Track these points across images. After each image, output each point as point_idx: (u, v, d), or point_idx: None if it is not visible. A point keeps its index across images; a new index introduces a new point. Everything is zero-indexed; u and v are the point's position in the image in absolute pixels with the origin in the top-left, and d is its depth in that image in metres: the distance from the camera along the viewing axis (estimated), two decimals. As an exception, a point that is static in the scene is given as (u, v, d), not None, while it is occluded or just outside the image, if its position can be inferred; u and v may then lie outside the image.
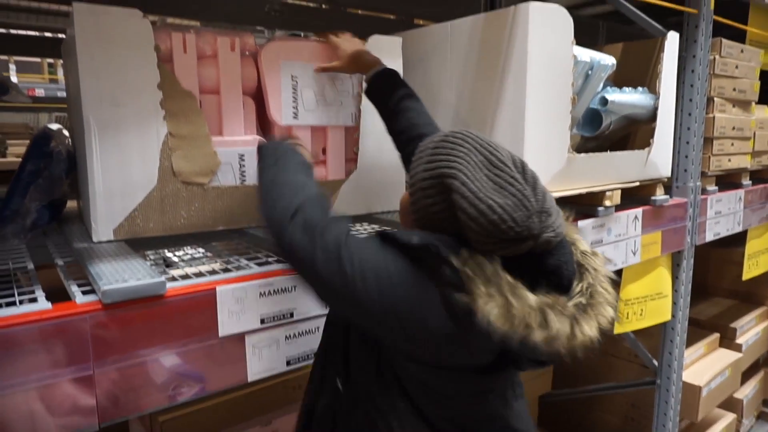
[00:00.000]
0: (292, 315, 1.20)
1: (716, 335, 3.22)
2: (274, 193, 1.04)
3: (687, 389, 2.75)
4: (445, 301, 0.87)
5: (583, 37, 1.68)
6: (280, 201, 1.01)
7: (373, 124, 1.67)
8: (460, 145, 0.93)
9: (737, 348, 3.22)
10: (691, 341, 2.94)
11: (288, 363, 1.22)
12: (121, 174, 1.30)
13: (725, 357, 3.11)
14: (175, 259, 1.33)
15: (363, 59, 1.49)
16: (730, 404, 3.22)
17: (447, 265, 0.87)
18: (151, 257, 1.30)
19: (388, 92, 1.41)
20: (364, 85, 1.49)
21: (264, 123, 1.56)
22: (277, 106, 1.52)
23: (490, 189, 0.88)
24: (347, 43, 1.53)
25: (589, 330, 0.87)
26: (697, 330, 3.19)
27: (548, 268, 0.91)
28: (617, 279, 1.01)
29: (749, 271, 2.95)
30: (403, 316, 0.89)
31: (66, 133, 1.62)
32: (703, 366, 2.99)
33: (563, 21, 1.61)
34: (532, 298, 0.85)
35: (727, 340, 3.26)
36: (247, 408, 1.65)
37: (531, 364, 0.99)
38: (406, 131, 1.34)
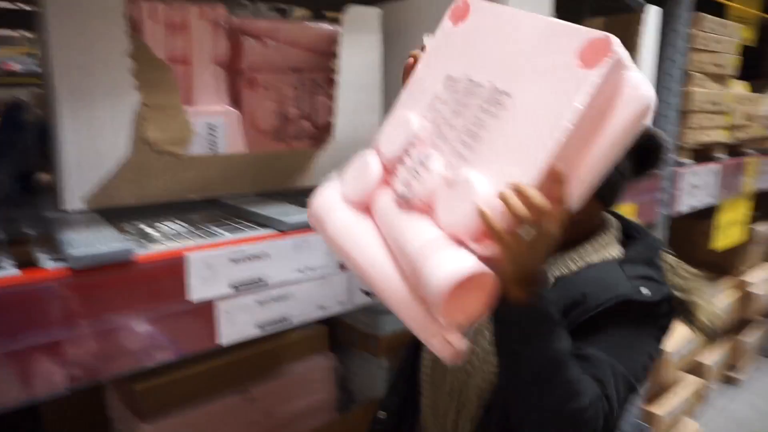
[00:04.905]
0: (263, 281, 1.22)
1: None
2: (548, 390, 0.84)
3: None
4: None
5: (567, 11, 1.67)
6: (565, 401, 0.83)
7: (348, 100, 1.65)
8: None
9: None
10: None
11: (260, 328, 1.23)
12: (93, 143, 1.29)
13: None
14: (154, 233, 1.33)
15: None
16: (699, 370, 3.35)
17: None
18: (129, 230, 1.29)
19: None
20: None
21: (235, 94, 1.56)
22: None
23: None
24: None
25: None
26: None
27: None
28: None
29: (718, 242, 2.99)
30: None
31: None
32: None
33: (539, -8, 1.60)
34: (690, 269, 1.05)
35: (698, 309, 3.34)
36: (225, 377, 1.66)
37: None
38: None
